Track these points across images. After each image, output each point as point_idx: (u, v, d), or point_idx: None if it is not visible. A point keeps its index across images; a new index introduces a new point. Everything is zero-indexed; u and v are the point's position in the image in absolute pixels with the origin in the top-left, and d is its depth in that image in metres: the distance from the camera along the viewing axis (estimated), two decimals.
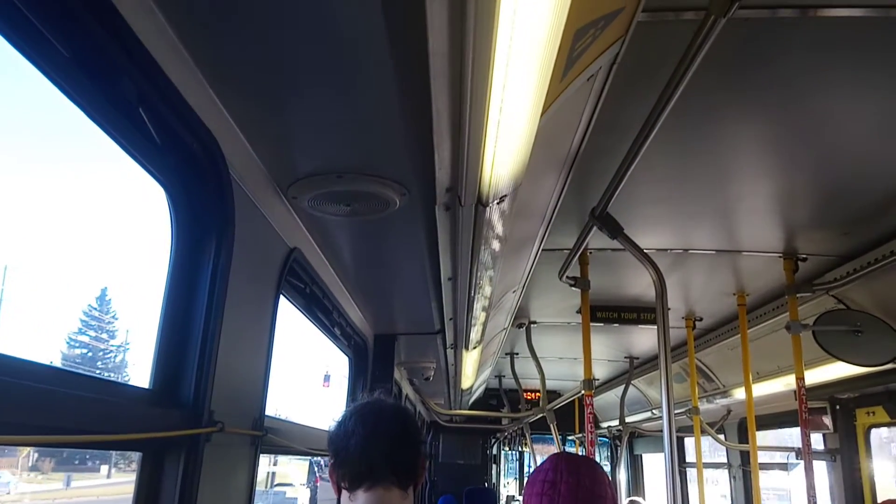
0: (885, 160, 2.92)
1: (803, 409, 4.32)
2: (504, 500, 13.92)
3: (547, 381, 6.93)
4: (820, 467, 5.46)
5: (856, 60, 2.23)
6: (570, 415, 10.62)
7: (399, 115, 1.73)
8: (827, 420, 5.53)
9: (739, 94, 2.47)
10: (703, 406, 6.77)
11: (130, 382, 1.64)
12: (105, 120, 1.35)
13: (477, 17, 1.20)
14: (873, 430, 5.27)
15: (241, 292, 1.89)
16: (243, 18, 1.37)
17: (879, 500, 5.05)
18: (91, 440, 1.26)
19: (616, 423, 9.02)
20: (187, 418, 1.61)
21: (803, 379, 4.34)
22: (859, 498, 5.23)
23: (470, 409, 10.60)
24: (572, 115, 2.27)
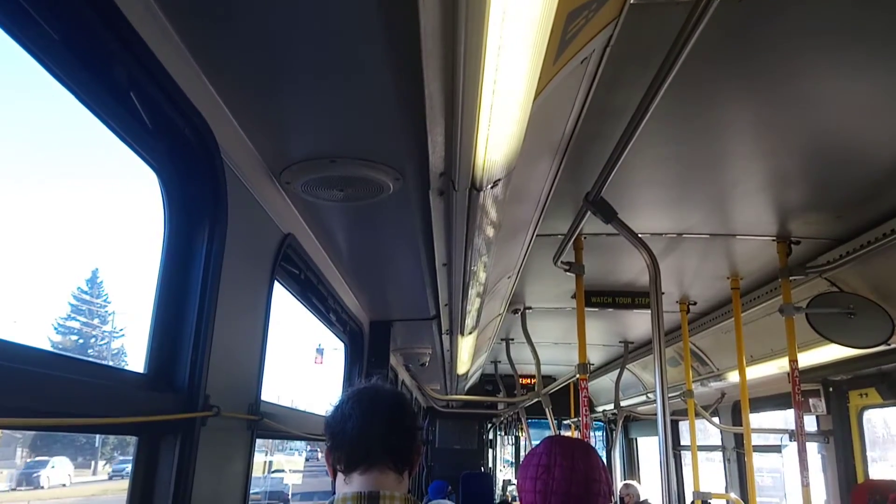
0: (876, 143, 2.93)
1: (796, 392, 4.36)
2: (500, 484, 14.01)
3: (542, 367, 6.96)
4: (812, 449, 5.52)
5: (848, 42, 2.23)
6: (566, 399, 10.69)
7: (392, 99, 1.73)
8: (820, 402, 5.58)
9: (733, 77, 2.47)
10: (698, 389, 6.82)
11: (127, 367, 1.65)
12: (96, 104, 1.35)
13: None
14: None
15: (235, 277, 1.89)
16: (235, 4, 1.37)
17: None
18: (86, 423, 1.27)
19: (611, 406, 9.07)
20: (183, 402, 1.62)
21: (796, 361, 4.36)
22: (852, 479, 5.29)
23: (466, 394, 10.64)
24: (566, 98, 2.27)
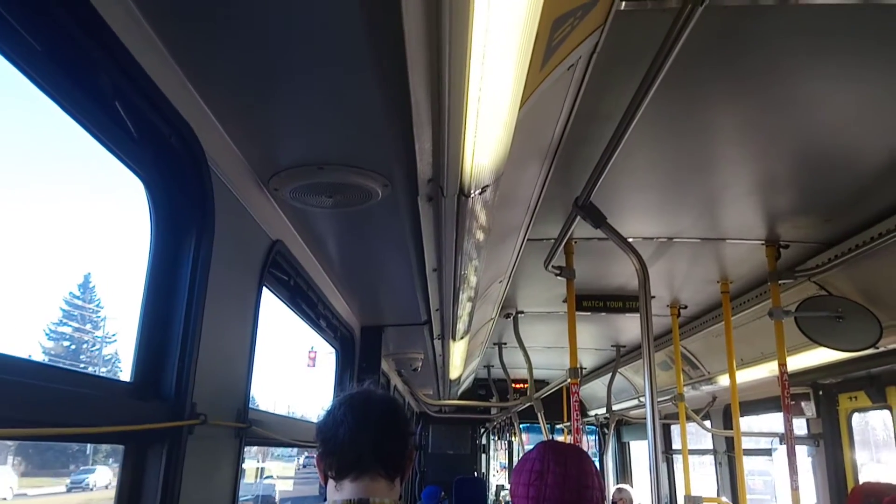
0: (864, 147, 2.95)
1: (786, 395, 4.38)
2: (493, 489, 14.00)
3: (535, 371, 6.97)
4: (802, 452, 5.55)
5: (834, 48, 2.25)
6: (558, 403, 10.68)
7: (379, 105, 1.73)
8: (810, 405, 5.61)
9: (720, 82, 2.48)
10: (689, 393, 6.84)
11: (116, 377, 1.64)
12: (80, 113, 1.34)
13: (452, 7, 1.20)
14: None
15: (222, 285, 1.89)
16: (220, 10, 1.37)
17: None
18: (72, 433, 1.26)
19: (603, 410, 9.09)
20: (169, 411, 1.61)
21: (786, 365, 4.39)
22: (842, 482, 5.31)
23: (459, 399, 10.63)
24: (553, 104, 2.28)
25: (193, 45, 1.49)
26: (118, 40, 1.27)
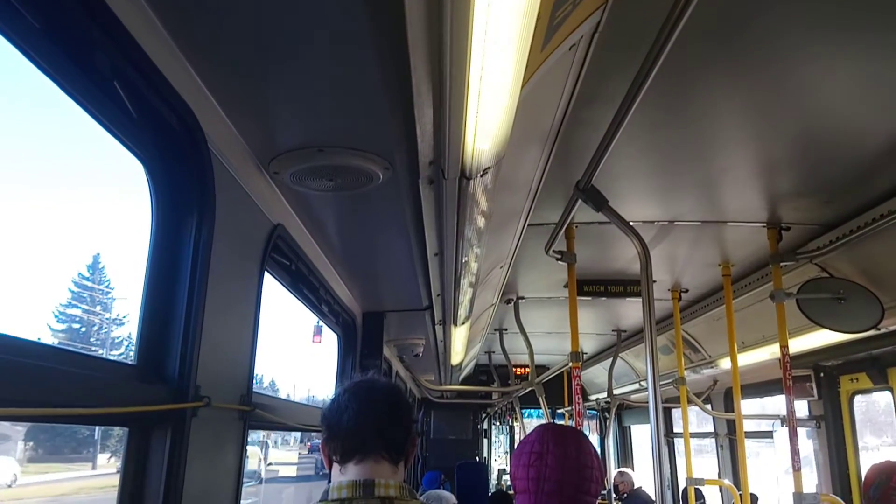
0: (866, 128, 2.94)
1: (787, 377, 4.39)
2: (495, 473, 14.09)
3: (536, 356, 6.99)
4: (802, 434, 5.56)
5: (836, 27, 2.23)
6: (560, 388, 10.74)
7: (379, 87, 1.72)
8: (812, 387, 5.63)
9: (722, 63, 2.47)
10: (690, 377, 6.86)
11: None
12: (79, 93, 1.33)
13: None
14: None
15: (224, 268, 1.89)
16: None
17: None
18: (76, 413, 1.27)
19: (604, 395, 9.12)
20: (173, 393, 1.62)
21: (787, 347, 4.39)
22: (843, 463, 5.34)
23: (460, 385, 10.67)
24: (554, 85, 2.26)
25: (193, 26, 1.48)
26: (117, 19, 1.26)
